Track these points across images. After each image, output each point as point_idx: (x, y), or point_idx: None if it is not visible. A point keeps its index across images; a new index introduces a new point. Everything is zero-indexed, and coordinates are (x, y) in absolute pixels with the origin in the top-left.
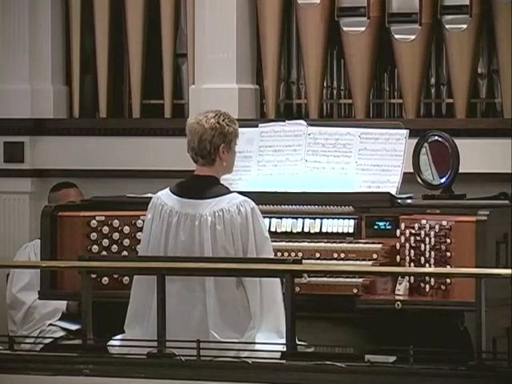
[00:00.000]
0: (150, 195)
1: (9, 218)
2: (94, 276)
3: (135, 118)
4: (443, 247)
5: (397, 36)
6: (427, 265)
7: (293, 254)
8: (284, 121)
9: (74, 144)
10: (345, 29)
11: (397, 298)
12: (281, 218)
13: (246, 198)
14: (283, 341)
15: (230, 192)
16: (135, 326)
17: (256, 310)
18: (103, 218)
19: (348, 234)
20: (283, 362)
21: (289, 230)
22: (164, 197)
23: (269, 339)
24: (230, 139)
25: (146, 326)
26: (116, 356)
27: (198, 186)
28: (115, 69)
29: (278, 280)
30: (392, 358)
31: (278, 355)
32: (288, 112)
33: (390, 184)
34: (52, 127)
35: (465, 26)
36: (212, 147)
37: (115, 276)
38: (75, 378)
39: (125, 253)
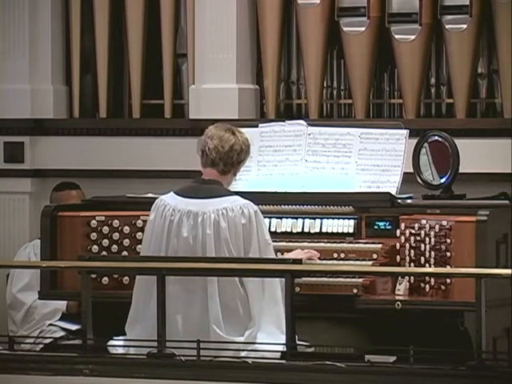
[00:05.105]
0: (150, 195)
1: (9, 218)
2: (93, 276)
3: (135, 118)
4: (443, 247)
5: (397, 36)
6: (427, 265)
7: None
8: (284, 121)
9: (74, 144)
10: (345, 29)
11: (397, 298)
12: (281, 218)
13: (248, 201)
14: (283, 339)
15: (233, 194)
16: (136, 327)
17: (256, 310)
18: (103, 218)
19: (348, 234)
20: (283, 361)
21: (289, 229)
22: (167, 198)
23: (270, 337)
24: (246, 160)
25: (146, 326)
26: (116, 356)
27: (203, 187)
28: (115, 69)
29: (277, 280)
30: (392, 358)
31: (279, 354)
32: (288, 112)
33: (390, 184)
34: (52, 127)
35: (465, 26)
36: (237, 159)
37: (115, 276)
38: (75, 377)
39: (125, 253)
